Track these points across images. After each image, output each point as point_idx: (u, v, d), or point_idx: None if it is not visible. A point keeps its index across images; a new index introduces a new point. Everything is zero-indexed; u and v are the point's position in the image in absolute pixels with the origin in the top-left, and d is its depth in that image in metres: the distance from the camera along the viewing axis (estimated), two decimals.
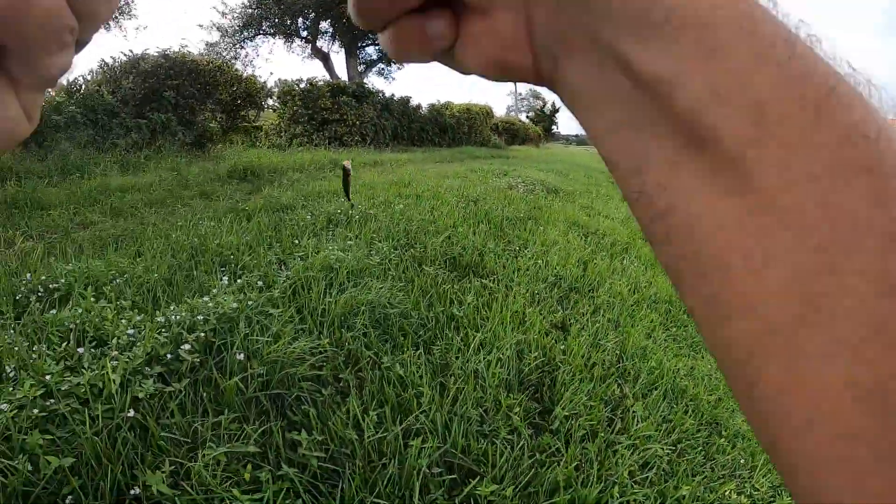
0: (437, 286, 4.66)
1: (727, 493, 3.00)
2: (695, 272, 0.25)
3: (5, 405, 2.58)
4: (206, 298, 3.52)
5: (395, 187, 9.20)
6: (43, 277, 4.05)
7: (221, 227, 6.02)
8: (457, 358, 3.58)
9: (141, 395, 2.66)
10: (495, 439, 2.90)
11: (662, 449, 3.16)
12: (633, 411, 3.44)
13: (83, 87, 13.32)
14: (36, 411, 2.55)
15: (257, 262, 4.65)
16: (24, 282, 4.05)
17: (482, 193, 9.28)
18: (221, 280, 4.08)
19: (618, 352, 4.18)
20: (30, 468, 2.30)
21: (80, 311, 3.53)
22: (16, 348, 3.03)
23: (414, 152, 19.70)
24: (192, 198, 8.08)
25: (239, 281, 4.06)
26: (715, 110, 0.23)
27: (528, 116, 56.42)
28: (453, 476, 2.62)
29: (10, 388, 2.70)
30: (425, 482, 2.52)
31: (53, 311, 3.54)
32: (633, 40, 0.25)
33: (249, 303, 3.58)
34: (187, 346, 2.95)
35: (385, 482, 2.46)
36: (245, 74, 19.08)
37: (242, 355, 3.00)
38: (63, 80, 12.22)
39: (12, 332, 3.35)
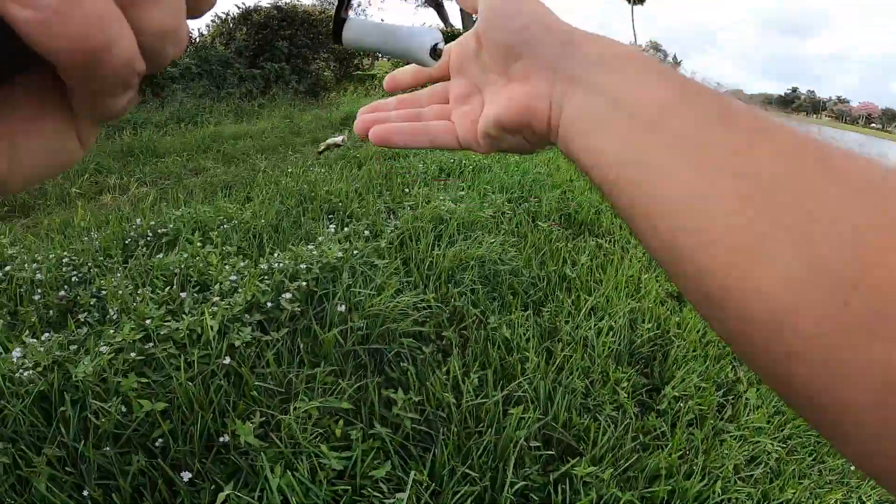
0: (550, 243, 4.42)
1: (833, 502, 2.61)
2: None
3: (105, 347, 2.62)
4: (311, 246, 3.45)
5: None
6: (152, 223, 4.14)
7: (332, 173, 6.03)
8: (566, 322, 3.37)
9: (237, 343, 2.61)
10: (599, 415, 2.69)
11: (772, 444, 2.84)
12: (746, 398, 3.11)
13: (197, 39, 13.87)
14: (133, 355, 2.57)
15: (366, 211, 4.56)
16: (134, 227, 4.17)
17: None
18: (328, 228, 4.01)
19: None
20: (123, 410, 2.30)
21: (185, 255, 3.57)
22: (120, 291, 3.07)
23: None
24: (304, 144, 8.19)
25: (346, 229, 3.97)
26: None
27: None
28: (550, 452, 2.46)
29: (111, 331, 2.73)
30: (521, 455, 2.36)
31: (160, 256, 3.59)
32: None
33: (355, 252, 3.48)
34: (288, 295, 2.88)
35: (479, 451, 2.32)
36: None
37: (344, 307, 2.90)
38: None
39: (119, 275, 3.42)
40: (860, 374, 0.25)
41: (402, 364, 2.77)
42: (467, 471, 2.21)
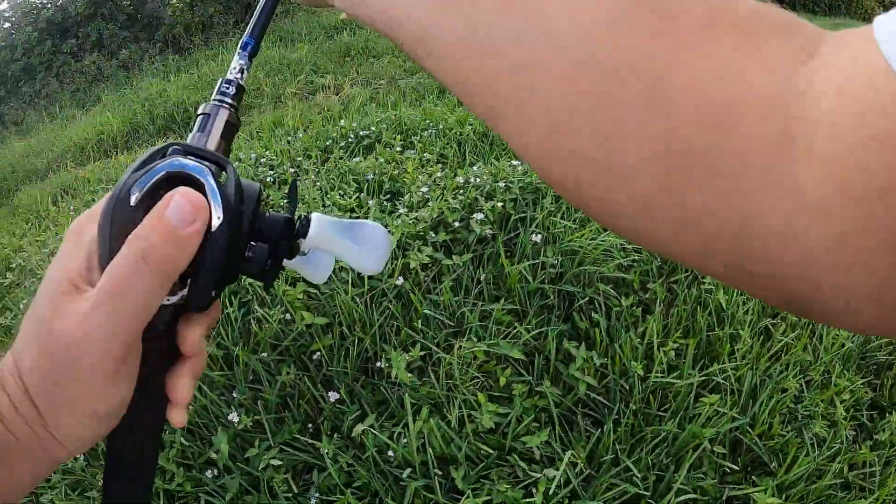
0: None
1: None
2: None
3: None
4: (515, 162, 3.24)
5: None
6: (355, 124, 4.20)
7: None
8: None
9: (413, 264, 2.50)
10: (805, 429, 2.30)
11: None
12: None
13: None
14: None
15: None
16: (337, 127, 4.26)
17: None
18: None
19: None
20: (286, 318, 2.33)
21: (381, 160, 3.55)
22: (307, 196, 3.13)
23: None
24: None
25: None
26: None
27: None
28: (735, 465, 2.14)
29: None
30: (699, 459, 2.08)
31: (357, 159, 3.62)
32: None
33: None
34: (480, 216, 2.72)
35: (651, 442, 2.08)
36: None
37: (539, 237, 2.67)
38: None
39: (314, 177, 3.50)
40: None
41: (593, 314, 2.51)
42: (632, 464, 1.94)
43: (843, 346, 2.68)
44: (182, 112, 6.21)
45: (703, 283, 2.79)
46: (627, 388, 2.28)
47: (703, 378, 2.32)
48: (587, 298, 2.63)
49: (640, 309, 2.65)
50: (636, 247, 2.88)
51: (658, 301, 2.67)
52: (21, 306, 3.20)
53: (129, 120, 6.27)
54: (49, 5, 11.01)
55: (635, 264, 2.84)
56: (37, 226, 4.35)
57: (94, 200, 4.39)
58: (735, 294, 2.77)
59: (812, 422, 2.34)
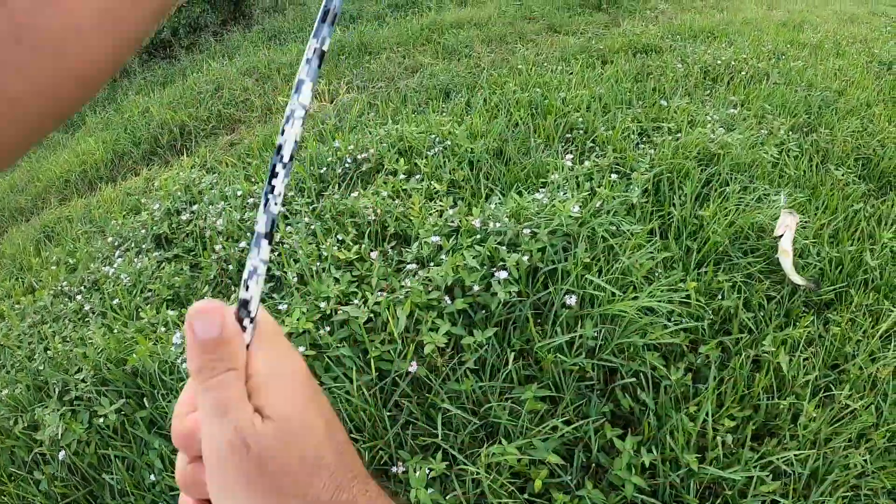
0: (846, 205, 3.30)
1: None
2: None
3: None
4: (539, 195, 2.79)
5: (785, 31, 7.28)
6: (351, 146, 3.74)
7: (569, 71, 5.26)
8: (857, 344, 2.46)
9: (428, 350, 2.06)
10: None
11: None
12: None
13: None
14: (303, 349, 2.18)
15: (612, 132, 3.72)
16: (332, 149, 3.81)
17: (895, 54, 6.85)
18: (564, 160, 3.28)
19: None
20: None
21: (383, 195, 3.10)
22: (300, 251, 2.69)
23: None
24: (538, 33, 7.37)
25: (586, 164, 3.22)
26: None
27: None
28: None
29: (283, 307, 2.38)
30: None
31: (354, 195, 3.18)
32: None
33: (597, 206, 2.74)
34: (503, 275, 2.26)
35: None
36: None
37: (574, 299, 2.21)
38: None
39: (308, 219, 3.06)
40: None
41: (638, 392, 2.09)
42: None
43: None
44: (167, 133, 5.75)
45: (763, 343, 2.34)
46: (681, 481, 1.88)
47: (762, 463, 1.95)
48: (631, 371, 2.19)
49: (691, 376, 2.21)
50: (684, 308, 2.43)
51: (712, 365, 2.23)
52: None
53: (112, 146, 5.83)
54: None
55: (684, 318, 2.39)
56: (20, 283, 3.93)
57: (75, 249, 3.97)
58: (798, 352, 2.33)
59: (877, 500, 1.97)
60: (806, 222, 3.07)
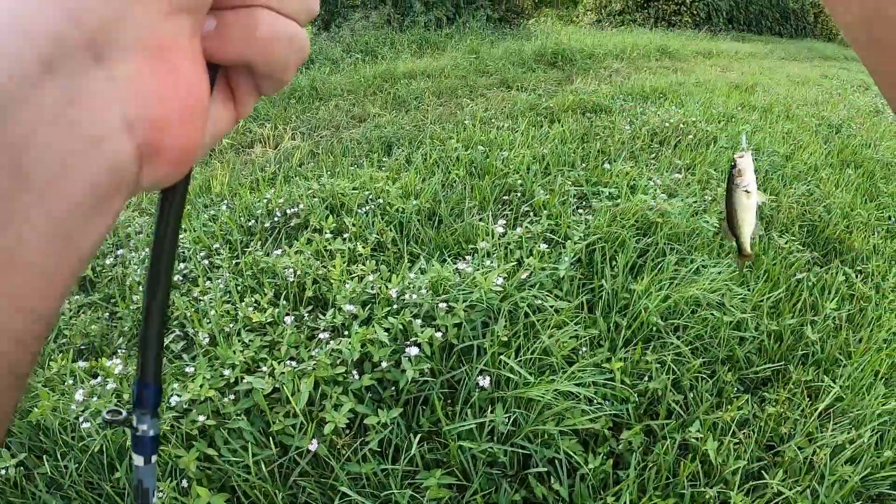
0: (787, 273, 3.34)
1: None
2: None
3: (175, 399, 2.14)
4: (462, 265, 2.72)
5: (737, 93, 7.50)
6: (281, 200, 3.66)
7: (516, 129, 5.25)
8: (794, 425, 2.43)
9: (327, 430, 1.96)
10: None
11: None
12: None
13: None
14: (203, 419, 2.05)
15: (550, 198, 3.70)
16: (263, 201, 3.71)
17: (845, 117, 7.16)
18: (496, 226, 3.22)
19: None
20: (182, 487, 1.96)
21: (306, 254, 3.00)
22: (211, 312, 2.57)
23: (754, 42, 17.30)
24: (489, 87, 7.42)
25: (518, 231, 3.16)
26: None
27: None
28: None
29: (190, 368, 2.29)
30: None
31: (277, 253, 3.07)
32: None
33: (523, 278, 2.68)
34: (415, 352, 2.16)
35: None
36: None
37: (487, 381, 2.13)
38: None
39: (228, 275, 2.94)
40: None
41: (551, 482, 2.01)
42: None
43: (849, 484, 2.18)
44: None
45: (689, 430, 2.29)
46: None
47: None
48: (547, 458, 2.10)
49: (612, 462, 2.13)
50: (608, 392, 2.37)
51: (634, 452, 2.16)
52: None
53: None
54: None
55: (607, 401, 2.33)
56: None
57: None
58: (727, 438, 2.27)
59: None
60: (745, 295, 3.06)
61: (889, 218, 4.49)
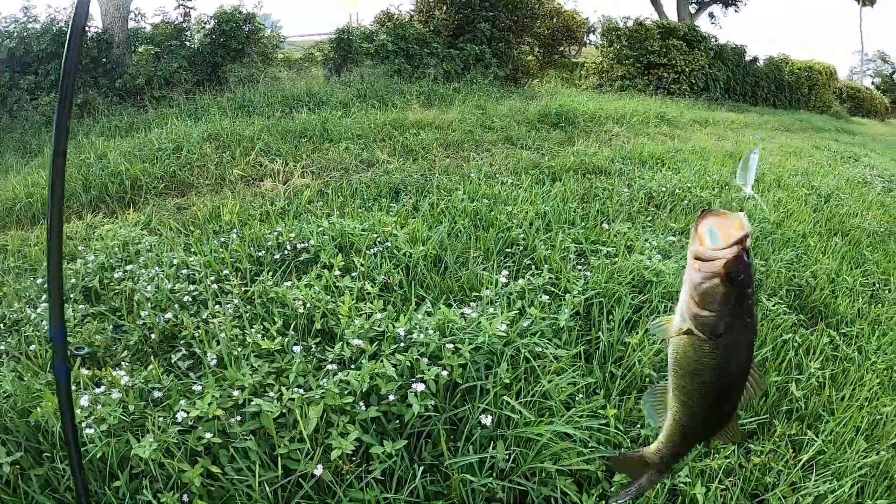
0: (775, 334, 3.47)
1: None
2: None
3: (181, 414, 2.18)
4: (468, 310, 2.84)
5: (731, 162, 7.83)
6: (292, 235, 3.75)
7: (519, 185, 5.44)
8: (778, 475, 2.52)
9: (334, 455, 2.03)
10: None
11: None
12: None
13: (395, 16, 14.00)
14: (209, 436, 2.10)
15: (552, 250, 3.83)
16: (274, 233, 3.81)
17: (834, 187, 7.50)
18: (499, 276, 3.35)
19: None
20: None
21: (316, 289, 3.10)
22: (223, 334, 2.64)
23: (749, 113, 17.88)
24: (495, 143, 7.64)
25: (520, 282, 3.28)
26: None
27: (873, 83, 48.05)
28: None
29: (197, 387, 2.35)
30: None
31: (287, 284, 3.16)
32: None
33: (525, 325, 2.79)
34: (420, 388, 2.25)
35: None
36: (564, 8, 19.06)
37: (489, 419, 2.22)
38: (376, 10, 13.40)
39: (237, 302, 3.02)
40: None
41: None
42: None
43: None
44: (118, 184, 5.65)
45: (679, 475, 2.38)
46: None
47: None
48: (542, 496, 2.19)
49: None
50: (606, 424, 2.47)
51: None
52: None
53: None
54: (15, 34, 10.44)
55: (601, 445, 2.42)
56: None
57: (2, 283, 3.80)
58: (715, 484, 2.37)
59: None
60: None
61: (874, 284, 4.68)
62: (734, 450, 2.58)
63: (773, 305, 3.73)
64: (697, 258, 1.05)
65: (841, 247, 5.17)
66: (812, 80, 24.99)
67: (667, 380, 1.22)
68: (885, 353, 3.60)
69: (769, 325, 3.51)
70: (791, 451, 2.66)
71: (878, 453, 2.73)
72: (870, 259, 5.13)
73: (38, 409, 2.33)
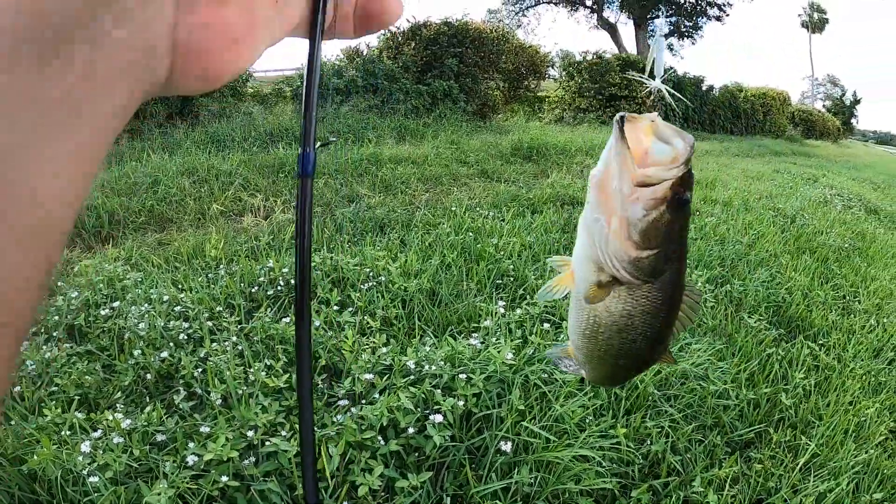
0: (759, 349, 3.67)
1: None
2: None
3: (192, 458, 2.10)
4: (473, 340, 2.82)
5: (698, 188, 8.00)
6: (285, 269, 3.71)
7: (502, 218, 5.52)
8: (780, 479, 2.64)
9: (362, 491, 1.99)
10: None
11: None
12: None
13: (364, 52, 14.16)
14: (225, 479, 2.03)
15: (543, 281, 3.85)
16: (263, 270, 3.77)
17: (798, 208, 7.92)
18: (496, 305, 3.35)
19: None
20: None
21: (316, 324, 3.06)
22: (227, 372, 2.59)
23: (710, 141, 18.52)
24: (471, 177, 7.70)
25: (518, 311, 3.29)
26: None
27: (824, 106, 50.19)
28: None
29: (205, 428, 2.26)
30: None
31: (287, 320, 3.12)
32: None
33: (529, 352, 2.79)
34: (439, 419, 2.24)
35: None
36: (527, 44, 19.56)
37: (509, 446, 2.21)
38: (344, 45, 13.67)
39: (235, 339, 2.97)
40: None
41: None
42: None
43: None
44: (94, 218, 5.50)
45: (692, 485, 2.41)
46: None
47: None
48: None
49: None
50: (615, 453, 2.49)
51: None
52: None
53: None
54: None
55: (615, 463, 2.44)
56: None
57: None
58: (724, 493, 2.42)
59: None
60: (724, 368, 3.29)
61: (844, 297, 4.96)
62: (736, 458, 2.65)
63: (755, 322, 3.91)
64: (641, 185, 0.71)
65: (811, 264, 5.48)
66: (766, 106, 25.89)
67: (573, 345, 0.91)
68: (862, 360, 3.83)
69: (753, 341, 3.70)
70: (788, 456, 2.80)
71: (866, 452, 2.89)
72: (838, 274, 5.44)
73: (35, 457, 2.24)
